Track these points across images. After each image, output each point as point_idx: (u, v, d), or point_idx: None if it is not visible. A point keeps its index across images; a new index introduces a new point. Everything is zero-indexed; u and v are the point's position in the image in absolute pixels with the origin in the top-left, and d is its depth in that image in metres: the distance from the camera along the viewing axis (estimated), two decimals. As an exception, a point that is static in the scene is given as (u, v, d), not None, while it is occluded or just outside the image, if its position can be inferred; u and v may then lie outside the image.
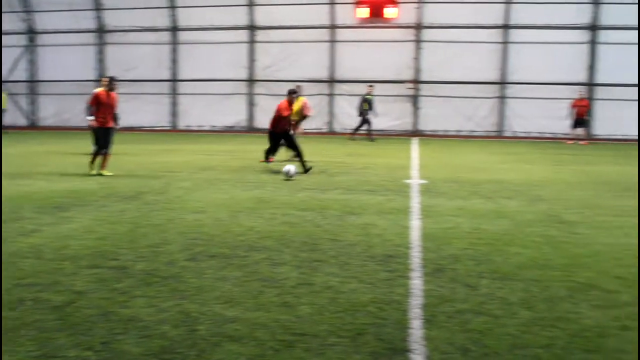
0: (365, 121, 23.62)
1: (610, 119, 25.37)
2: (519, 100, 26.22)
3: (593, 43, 25.91)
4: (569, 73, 25.75)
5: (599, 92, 25.87)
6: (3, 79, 27.78)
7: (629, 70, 24.92)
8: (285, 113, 13.80)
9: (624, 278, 6.15)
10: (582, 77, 26.01)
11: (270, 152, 14.41)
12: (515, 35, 26.18)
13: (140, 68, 28.25)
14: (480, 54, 26.26)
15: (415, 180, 12.83)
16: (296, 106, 15.14)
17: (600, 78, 25.87)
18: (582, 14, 25.75)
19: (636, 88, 24.94)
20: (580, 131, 24.29)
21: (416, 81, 26.74)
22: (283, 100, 14.00)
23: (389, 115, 26.23)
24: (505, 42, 26.26)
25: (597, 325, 4.93)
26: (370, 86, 24.00)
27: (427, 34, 26.79)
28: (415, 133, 26.56)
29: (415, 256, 6.85)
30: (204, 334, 4.62)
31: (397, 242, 7.49)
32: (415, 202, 10.20)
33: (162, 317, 4.93)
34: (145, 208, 9.45)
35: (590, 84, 25.99)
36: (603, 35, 25.82)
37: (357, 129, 23.83)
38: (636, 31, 25.04)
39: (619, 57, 25.23)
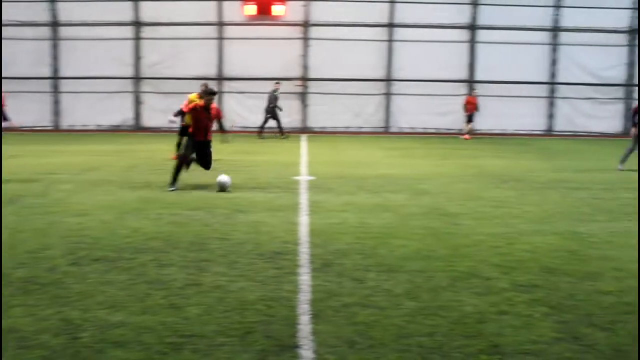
0: (273, 118, 23.54)
1: (490, 115, 26.55)
2: (404, 97, 27.00)
3: (472, 42, 27.05)
4: (451, 70, 26.81)
5: (479, 88, 27.00)
6: None
7: (506, 68, 26.26)
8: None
9: (502, 266, 6.45)
10: (463, 74, 27.11)
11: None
12: (399, 33, 26.91)
13: (19, 65, 26.84)
14: (367, 51, 26.80)
15: (303, 177, 12.92)
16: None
17: (479, 75, 27.02)
18: (462, 14, 26.85)
19: (510, 85, 26.31)
20: (469, 126, 25.16)
21: (304, 78, 26.95)
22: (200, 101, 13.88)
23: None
24: (390, 40, 26.93)
25: (477, 312, 5.15)
26: (277, 83, 23.96)
27: (314, 31, 27.04)
28: (304, 130, 26.75)
29: (304, 252, 6.90)
30: (87, 341, 4.46)
31: (285, 238, 7.51)
32: (304, 199, 10.28)
33: (42, 326, 4.72)
34: (24, 212, 9.00)
35: (471, 81, 27.12)
36: (481, 35, 27.01)
37: (262, 126, 23.69)
38: (511, 31, 26.42)
39: (496, 56, 26.49)
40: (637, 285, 5.92)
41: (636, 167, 13.63)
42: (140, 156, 16.18)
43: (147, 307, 5.14)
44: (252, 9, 26.64)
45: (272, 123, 23.65)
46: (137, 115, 27.81)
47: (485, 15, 26.77)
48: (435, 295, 5.54)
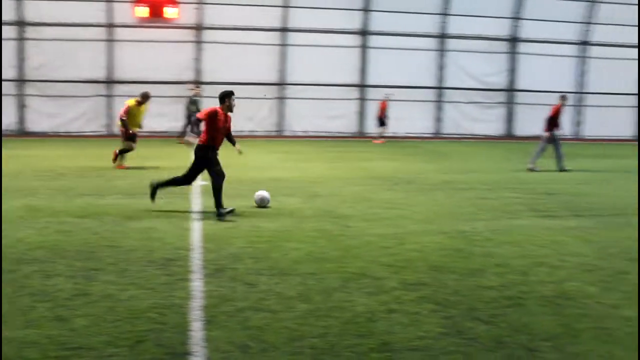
0: (191, 123, 22.92)
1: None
2: (298, 101, 27.15)
3: (364, 47, 27.61)
4: (343, 75, 27.23)
5: (371, 93, 27.60)
6: None
7: (397, 72, 27.01)
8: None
9: (392, 265, 6.64)
10: (355, 79, 27.61)
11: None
12: (293, 38, 27.06)
13: None
14: (260, 55, 26.76)
15: (196, 182, 12.73)
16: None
17: (370, 80, 27.61)
18: (354, 20, 27.33)
19: (402, 89, 27.05)
20: (380, 129, 25.48)
21: (197, 82, 26.59)
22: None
23: (168, 116, 25.71)
24: (283, 45, 27.03)
25: (368, 311, 5.27)
26: (197, 87, 23.43)
27: (208, 35, 26.74)
28: (199, 134, 26.33)
29: (196, 258, 6.83)
30: (-38, 359, 4.23)
31: (177, 244, 7.40)
32: (196, 204, 10.17)
33: None
34: None
35: (362, 86, 27.66)
36: (372, 40, 27.62)
37: (184, 131, 23.04)
38: (401, 37, 27.17)
39: (387, 61, 27.16)
40: (517, 279, 6.25)
41: (547, 168, 14.41)
42: (25, 162, 15.45)
43: (31, 321, 4.93)
44: (143, 11, 25.97)
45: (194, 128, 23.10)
46: (21, 119, 26.54)
47: (376, 22, 27.38)
48: (327, 297, 5.62)
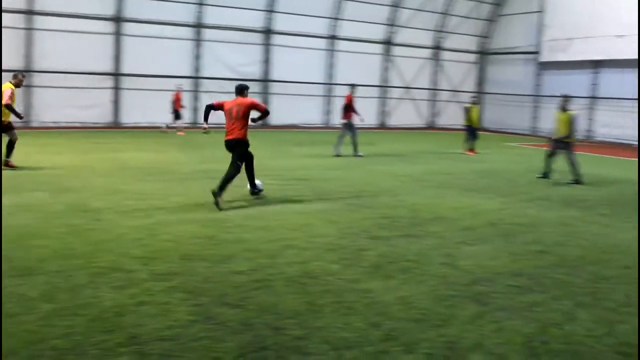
0: None
1: (136, 107, 26.56)
2: (46, 90, 25.39)
3: (118, 34, 26.60)
4: (96, 63, 26.01)
5: (126, 82, 26.75)
6: None
7: (153, 62, 26.50)
8: None
9: (143, 257, 6.56)
10: (109, 67, 26.54)
11: None
12: (40, 22, 25.19)
13: None
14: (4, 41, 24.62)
15: None
16: None
17: (126, 69, 26.73)
18: (107, 6, 26.16)
19: (158, 78, 26.59)
20: (178, 122, 24.70)
21: None
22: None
23: None
24: (29, 29, 25.05)
25: (117, 305, 5.17)
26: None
27: None
28: None
29: None
30: None
31: None
32: None
33: None
34: None
35: (117, 74, 26.68)
36: (128, 28, 26.70)
37: None
38: (158, 25, 26.67)
39: (143, 49, 26.48)
40: (266, 262, 6.52)
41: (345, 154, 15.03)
42: None
43: None
44: None
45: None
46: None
47: (131, 8, 26.49)
48: (74, 295, 5.40)
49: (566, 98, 14.93)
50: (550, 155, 14.73)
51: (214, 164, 14.88)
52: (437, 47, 36.00)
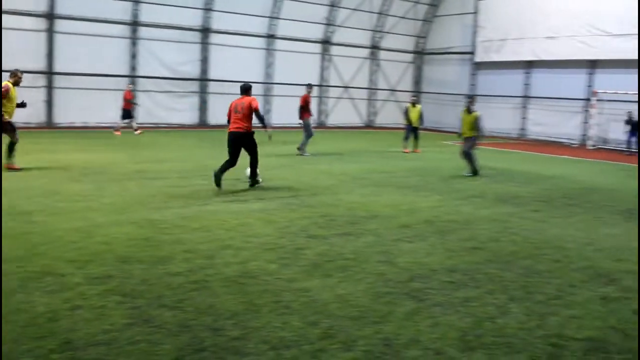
0: None
1: (71, 107, 25.94)
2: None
3: (50, 31, 25.85)
4: (27, 61, 25.18)
5: (60, 81, 26.08)
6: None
7: (88, 60, 25.92)
8: None
9: (77, 260, 6.42)
10: (42, 65, 25.78)
11: None
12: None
13: None
14: None
15: None
16: None
17: (59, 67, 26.02)
18: (39, 2, 25.40)
19: (94, 77, 26.04)
20: (126, 121, 24.34)
21: None
22: None
23: None
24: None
25: (49, 310, 5.04)
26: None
27: None
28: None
29: None
30: None
31: None
32: None
33: None
34: None
35: (49, 73, 25.96)
36: (60, 25, 25.97)
37: None
38: (92, 23, 26.07)
39: (77, 47, 25.83)
40: (204, 263, 6.48)
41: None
42: None
43: None
44: None
45: None
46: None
47: (65, 5, 25.78)
48: (5, 301, 5.24)
49: (471, 99, 15.53)
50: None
51: (152, 164, 14.74)
52: (374, 47, 36.39)
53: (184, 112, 29.39)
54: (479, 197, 12.02)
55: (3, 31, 24.26)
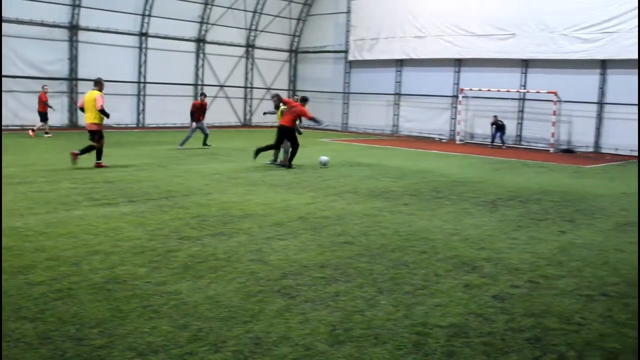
0: None
1: None
2: None
3: None
4: None
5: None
6: None
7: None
8: None
9: None
10: None
11: None
12: None
13: None
14: None
15: None
16: None
17: None
18: None
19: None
20: (40, 124, 23.93)
21: None
22: None
23: None
24: None
25: None
26: None
27: None
28: None
29: None
30: None
31: None
32: None
33: None
34: None
35: None
36: None
37: None
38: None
39: None
40: (69, 271, 6.22)
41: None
42: None
43: None
44: None
45: None
46: None
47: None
48: None
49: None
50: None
51: (15, 168, 13.94)
52: (249, 46, 36.31)
53: (53, 113, 28.03)
54: (352, 192, 12.28)
55: None
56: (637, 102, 25.32)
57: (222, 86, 35.06)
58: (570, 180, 16.22)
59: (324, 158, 16.88)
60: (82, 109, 14.77)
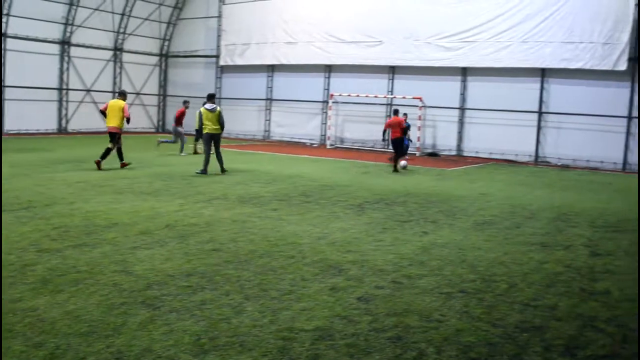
0: None
1: None
2: None
3: None
4: None
5: None
6: None
7: None
8: None
9: None
10: None
11: None
12: None
13: None
14: None
15: None
16: None
17: None
18: None
19: None
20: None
21: None
22: None
23: None
24: None
25: None
26: None
27: None
28: None
29: None
30: None
31: None
32: None
33: None
34: None
35: None
36: None
37: None
38: None
39: None
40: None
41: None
42: None
43: None
44: None
45: None
46: None
47: None
48: None
49: (211, 96, 17.59)
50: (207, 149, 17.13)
51: None
52: (118, 49, 35.21)
53: None
54: (222, 199, 12.22)
55: None
56: (501, 109, 26.87)
57: (88, 91, 33.74)
58: (433, 183, 16.96)
59: (402, 162, 19.76)
60: (104, 113, 16.77)
